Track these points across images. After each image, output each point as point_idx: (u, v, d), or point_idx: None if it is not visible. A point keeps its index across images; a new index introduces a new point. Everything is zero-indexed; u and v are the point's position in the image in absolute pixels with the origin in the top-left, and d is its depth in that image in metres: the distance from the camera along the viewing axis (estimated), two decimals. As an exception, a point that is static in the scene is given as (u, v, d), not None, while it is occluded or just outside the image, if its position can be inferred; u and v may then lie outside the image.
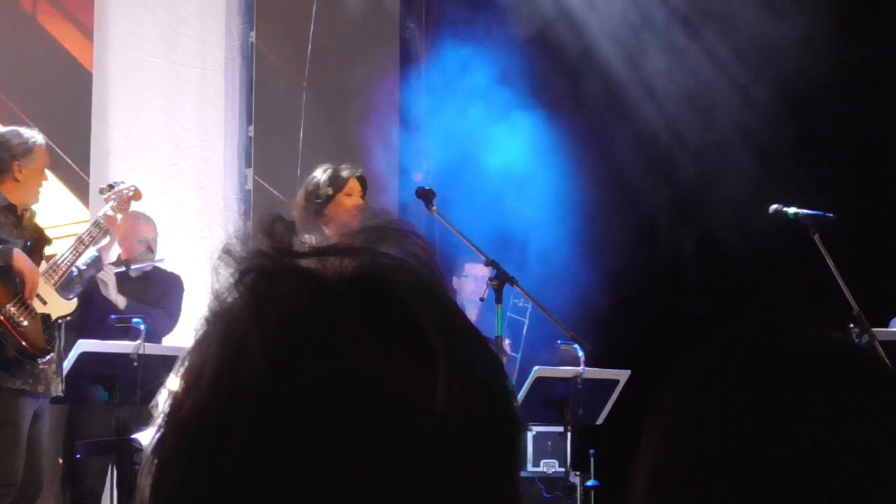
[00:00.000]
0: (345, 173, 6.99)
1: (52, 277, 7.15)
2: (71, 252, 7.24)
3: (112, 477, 8.00)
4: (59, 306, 7.15)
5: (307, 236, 1.01)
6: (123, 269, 8.31)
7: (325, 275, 0.97)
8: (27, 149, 7.09)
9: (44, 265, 7.15)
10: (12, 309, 6.88)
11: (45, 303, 7.06)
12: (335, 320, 0.94)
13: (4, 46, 9.18)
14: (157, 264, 8.52)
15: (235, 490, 0.92)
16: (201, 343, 0.98)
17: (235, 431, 0.93)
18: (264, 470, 0.92)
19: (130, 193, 7.62)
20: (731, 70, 10.16)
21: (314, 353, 0.93)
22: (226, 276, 0.98)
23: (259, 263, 0.98)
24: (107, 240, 7.49)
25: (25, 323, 6.89)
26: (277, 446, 0.92)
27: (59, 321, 7.14)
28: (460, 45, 10.49)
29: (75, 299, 7.29)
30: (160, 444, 0.97)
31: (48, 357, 6.98)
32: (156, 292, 8.44)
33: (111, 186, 7.61)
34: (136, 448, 6.97)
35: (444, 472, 0.93)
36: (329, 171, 7.02)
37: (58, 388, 7.10)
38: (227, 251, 0.98)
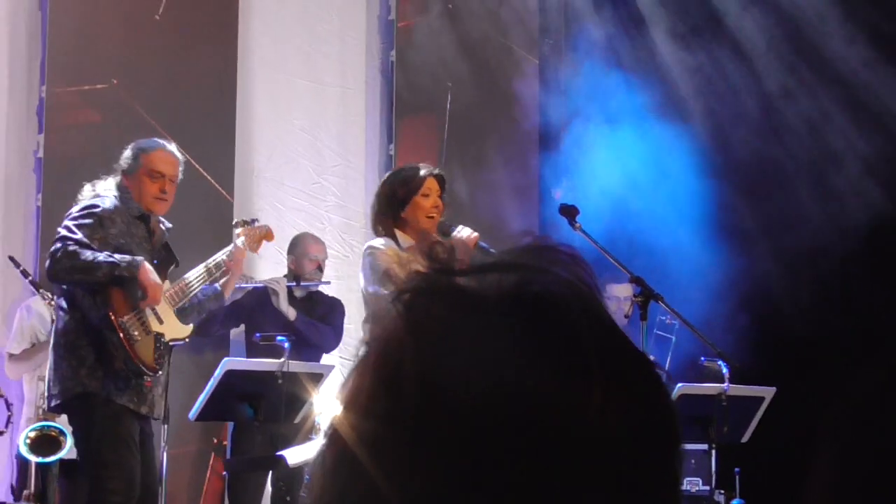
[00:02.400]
0: (422, 172, 6.64)
1: (174, 299, 7.05)
2: (198, 280, 7.16)
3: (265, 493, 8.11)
4: (175, 329, 7.02)
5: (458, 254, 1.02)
6: (294, 283, 8.49)
7: (481, 292, 0.98)
8: (130, 158, 7.00)
9: (167, 285, 7.03)
10: (129, 320, 6.76)
11: (161, 322, 6.93)
12: (489, 335, 0.95)
13: (149, 68, 9.35)
14: (323, 286, 8.69)
15: (394, 501, 0.94)
16: (361, 362, 1.00)
17: (392, 445, 0.94)
18: (420, 482, 0.93)
19: (263, 232, 7.55)
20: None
21: (467, 368, 0.94)
22: (386, 298, 1.00)
23: (416, 283, 1.00)
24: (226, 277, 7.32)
25: (138, 336, 6.76)
26: (432, 459, 0.93)
27: (171, 344, 7.00)
28: (600, 61, 10.45)
29: (191, 325, 7.16)
30: (322, 459, 0.99)
31: (156, 375, 6.83)
32: (319, 311, 8.60)
33: (246, 222, 7.54)
34: (283, 465, 6.98)
35: (601, 486, 0.93)
36: (404, 172, 6.74)
37: (161, 412, 6.96)
38: (386, 274, 1.02)
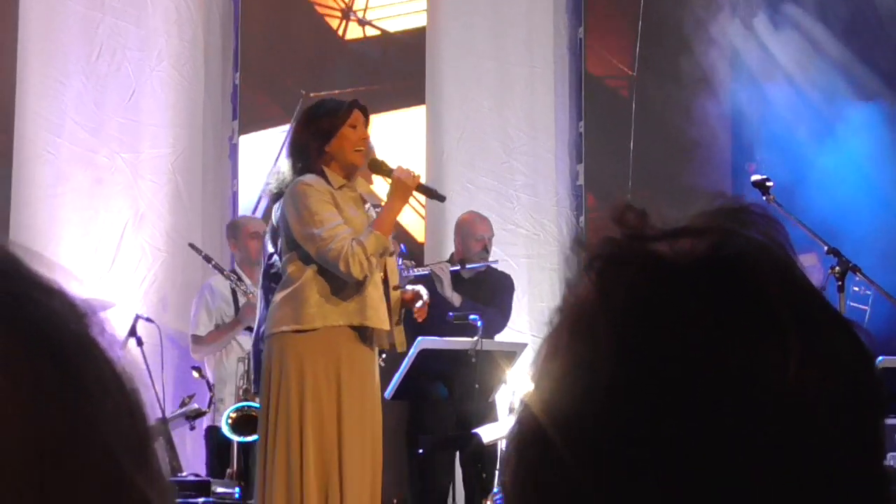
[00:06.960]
0: (347, 102, 6.22)
1: None
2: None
3: (458, 473, 8.14)
4: None
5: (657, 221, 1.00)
6: (458, 267, 8.45)
7: (673, 257, 0.97)
8: None
9: None
10: None
11: None
12: (680, 301, 0.94)
13: (337, 54, 9.48)
14: (492, 265, 8.61)
15: (587, 474, 0.93)
16: (554, 333, 0.99)
17: (585, 415, 0.94)
18: (614, 450, 0.93)
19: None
20: None
21: (658, 335, 0.93)
22: (578, 266, 0.99)
23: (607, 250, 0.98)
24: None
25: None
26: (624, 428, 0.92)
27: None
28: (796, 30, 10.28)
29: None
30: (517, 434, 0.98)
31: None
32: (488, 292, 8.52)
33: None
34: (477, 443, 7.01)
35: (797, 454, 0.92)
36: (327, 103, 6.36)
37: None
38: (578, 241, 0.99)
